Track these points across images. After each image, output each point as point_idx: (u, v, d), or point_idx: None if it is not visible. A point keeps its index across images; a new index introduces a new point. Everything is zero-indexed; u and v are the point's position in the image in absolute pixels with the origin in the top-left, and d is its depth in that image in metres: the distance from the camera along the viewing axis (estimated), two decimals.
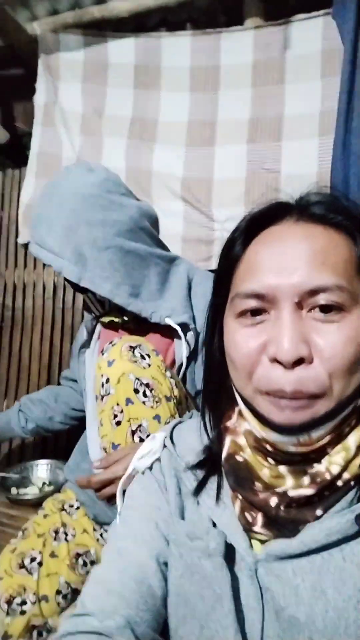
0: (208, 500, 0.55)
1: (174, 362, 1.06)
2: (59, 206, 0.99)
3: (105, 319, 1.12)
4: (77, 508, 1.13)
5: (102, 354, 0.92)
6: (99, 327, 1.19)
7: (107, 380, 0.88)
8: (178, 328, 1.02)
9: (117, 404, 0.87)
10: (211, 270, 1.19)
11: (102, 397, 0.89)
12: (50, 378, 1.74)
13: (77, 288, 1.12)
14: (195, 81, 1.58)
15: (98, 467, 0.88)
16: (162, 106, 1.61)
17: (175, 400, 0.94)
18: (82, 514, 1.11)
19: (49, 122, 1.70)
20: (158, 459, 0.62)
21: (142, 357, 0.90)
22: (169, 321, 1.02)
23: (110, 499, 0.84)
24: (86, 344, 1.21)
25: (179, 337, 1.03)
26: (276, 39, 1.49)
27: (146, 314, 1.03)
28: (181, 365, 1.04)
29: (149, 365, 0.90)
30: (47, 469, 1.47)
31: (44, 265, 1.77)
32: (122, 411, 0.87)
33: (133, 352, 0.90)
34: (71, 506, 1.14)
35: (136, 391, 0.87)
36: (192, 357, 1.05)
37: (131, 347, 0.90)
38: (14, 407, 1.36)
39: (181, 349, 1.04)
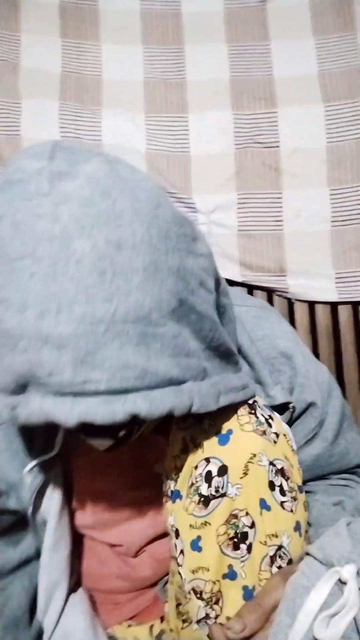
0: None
1: None
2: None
3: None
4: None
5: (193, 419, 0.54)
6: None
7: (222, 471, 0.51)
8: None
9: (247, 514, 0.50)
10: None
11: (206, 501, 0.51)
12: None
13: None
14: (148, 31, 1.19)
15: (233, 637, 0.47)
16: (105, 61, 1.18)
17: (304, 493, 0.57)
18: None
19: None
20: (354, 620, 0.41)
21: (267, 422, 0.53)
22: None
23: None
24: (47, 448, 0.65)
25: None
26: None
27: None
28: None
29: (277, 435, 0.53)
30: None
31: None
32: (252, 525, 0.50)
33: (256, 415, 0.52)
34: None
35: (271, 486, 0.51)
36: None
37: (250, 405, 0.53)
38: None
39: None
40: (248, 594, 0.50)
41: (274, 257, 1.10)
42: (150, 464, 0.65)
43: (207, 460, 0.51)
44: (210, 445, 0.52)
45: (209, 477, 0.51)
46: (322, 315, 1.11)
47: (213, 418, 0.53)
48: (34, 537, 0.62)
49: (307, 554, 0.49)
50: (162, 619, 0.71)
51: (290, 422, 0.62)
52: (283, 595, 0.47)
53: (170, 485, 0.57)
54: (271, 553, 0.50)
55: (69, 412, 0.38)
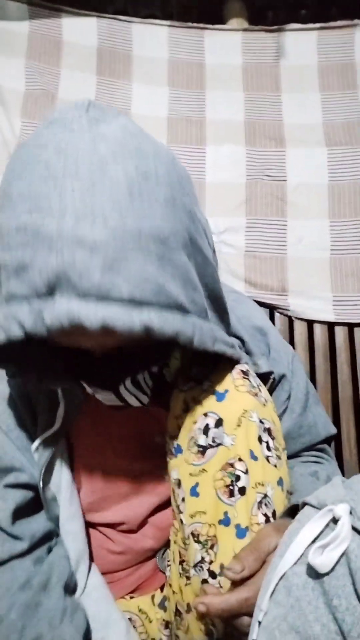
0: None
1: None
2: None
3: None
4: None
5: (195, 382, 0.59)
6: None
7: (219, 423, 0.56)
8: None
9: (240, 460, 0.55)
10: None
11: (204, 450, 0.57)
12: None
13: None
14: (175, 76, 1.34)
15: (233, 576, 0.49)
16: (135, 97, 1.32)
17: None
18: None
19: None
20: (344, 554, 0.43)
21: (259, 388, 0.59)
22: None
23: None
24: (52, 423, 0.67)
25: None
26: (268, 45, 1.35)
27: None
28: None
29: (266, 401, 0.59)
30: None
31: None
32: (247, 471, 0.55)
33: (249, 380, 0.58)
34: None
35: (259, 440, 0.56)
36: None
37: (243, 372, 0.59)
38: None
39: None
40: (241, 532, 0.54)
41: (277, 278, 1.19)
42: (150, 436, 0.69)
43: (206, 414, 0.57)
44: (209, 402, 0.57)
45: (206, 430, 0.56)
46: (320, 335, 1.18)
47: (212, 380, 0.59)
48: (47, 513, 0.65)
49: (304, 504, 0.53)
50: (162, 588, 0.72)
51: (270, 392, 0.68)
52: (280, 542, 0.51)
53: (173, 443, 0.62)
54: (258, 499, 0.55)
55: (93, 315, 0.42)
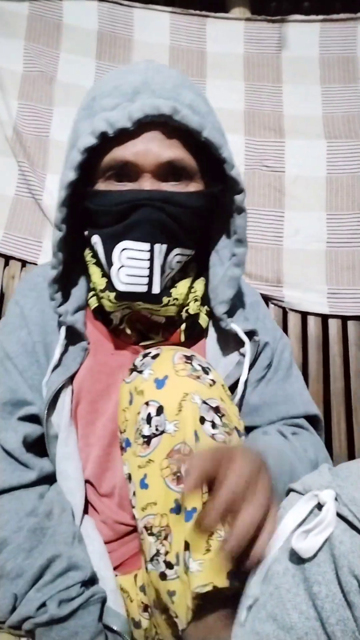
0: None
1: None
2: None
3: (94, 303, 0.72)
4: None
5: (137, 373, 0.61)
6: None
7: (160, 411, 0.56)
8: (245, 337, 0.70)
9: (185, 443, 0.55)
10: None
11: (148, 440, 0.57)
12: None
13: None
14: (176, 63, 1.33)
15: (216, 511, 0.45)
16: None
17: (244, 437, 0.64)
18: None
19: None
20: (327, 540, 0.44)
21: (204, 370, 0.60)
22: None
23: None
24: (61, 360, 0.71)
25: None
26: (270, 35, 1.34)
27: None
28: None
29: (214, 382, 0.60)
30: None
31: None
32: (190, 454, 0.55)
33: (191, 364, 0.59)
34: None
35: (202, 420, 0.56)
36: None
37: (186, 356, 0.60)
38: None
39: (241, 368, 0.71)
40: (188, 515, 0.53)
41: (272, 269, 1.18)
42: None
43: (147, 403, 0.57)
44: (149, 390, 0.57)
45: (149, 419, 0.56)
46: (314, 327, 1.18)
47: (153, 368, 0.59)
48: (49, 450, 0.68)
49: (290, 490, 0.52)
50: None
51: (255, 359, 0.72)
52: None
53: (123, 437, 0.62)
54: None
55: (168, 105, 0.59)
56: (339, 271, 1.19)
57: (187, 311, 0.69)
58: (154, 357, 0.61)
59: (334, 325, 1.17)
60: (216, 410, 0.57)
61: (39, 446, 0.68)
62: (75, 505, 0.66)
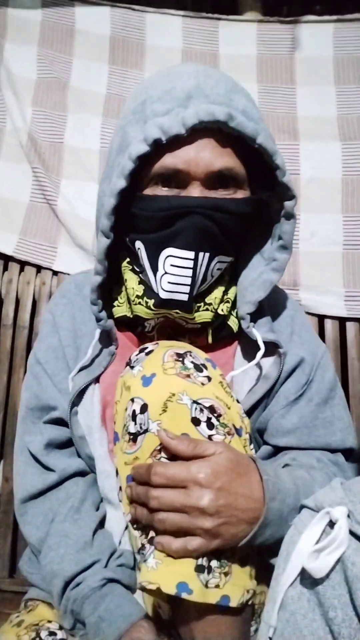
0: None
1: None
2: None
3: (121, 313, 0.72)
4: None
5: (130, 368, 0.61)
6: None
7: (144, 409, 0.56)
8: (261, 344, 0.68)
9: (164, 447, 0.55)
10: None
11: (134, 438, 0.57)
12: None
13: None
14: None
15: (164, 436, 0.54)
16: None
17: (248, 438, 0.62)
18: None
19: None
20: (340, 560, 0.43)
21: (197, 368, 0.58)
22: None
23: None
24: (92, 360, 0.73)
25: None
26: (283, 37, 1.33)
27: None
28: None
29: (209, 379, 0.58)
30: None
31: None
32: (172, 457, 0.55)
33: (182, 362, 0.57)
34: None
35: (195, 422, 0.55)
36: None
37: (178, 354, 0.58)
38: None
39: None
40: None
41: (288, 272, 1.17)
42: None
43: (132, 400, 0.56)
44: (135, 387, 0.57)
45: (134, 416, 0.56)
46: (331, 330, 1.16)
47: (143, 365, 0.58)
48: (78, 450, 0.70)
49: (302, 506, 0.51)
50: None
51: (281, 375, 0.69)
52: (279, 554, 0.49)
53: (114, 430, 0.62)
54: None
55: (222, 110, 0.58)
56: (356, 273, 1.17)
57: (216, 311, 0.68)
58: (148, 353, 0.60)
59: (351, 329, 1.16)
60: (211, 409, 0.56)
61: (67, 447, 0.72)
62: (114, 500, 0.67)
